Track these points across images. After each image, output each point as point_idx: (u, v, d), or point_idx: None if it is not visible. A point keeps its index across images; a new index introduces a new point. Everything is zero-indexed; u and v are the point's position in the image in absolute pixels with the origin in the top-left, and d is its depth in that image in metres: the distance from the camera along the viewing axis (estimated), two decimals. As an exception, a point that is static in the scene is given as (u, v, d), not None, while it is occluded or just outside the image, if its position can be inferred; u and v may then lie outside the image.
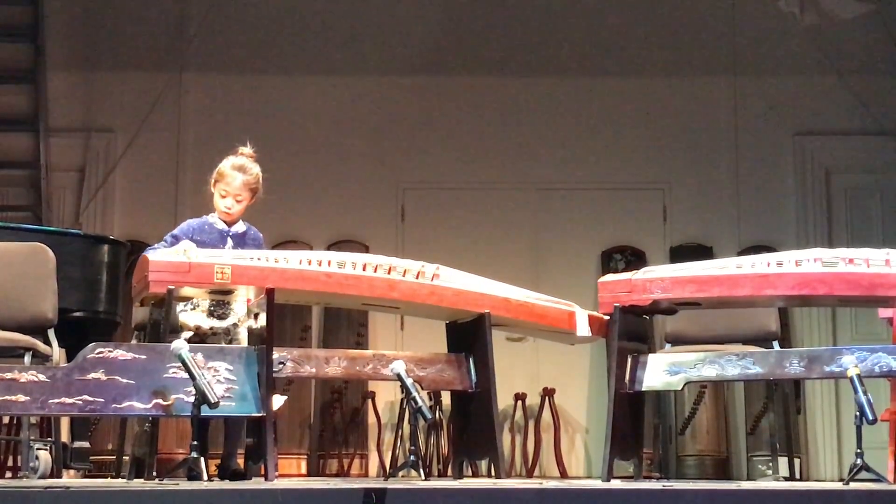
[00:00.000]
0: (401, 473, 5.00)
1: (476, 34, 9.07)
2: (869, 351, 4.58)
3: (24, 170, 8.75)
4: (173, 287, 4.59)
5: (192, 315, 5.01)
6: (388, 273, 4.87)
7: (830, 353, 4.72)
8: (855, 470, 4.24)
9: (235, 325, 5.03)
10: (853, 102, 8.82)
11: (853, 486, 3.92)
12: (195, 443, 4.31)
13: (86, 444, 6.04)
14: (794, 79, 8.97)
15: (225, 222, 5.14)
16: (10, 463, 6.74)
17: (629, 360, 4.88)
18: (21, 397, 4.28)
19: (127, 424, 6.14)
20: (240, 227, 5.18)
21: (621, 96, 9.04)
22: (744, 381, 7.37)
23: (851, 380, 4.32)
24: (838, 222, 8.90)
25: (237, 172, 5.10)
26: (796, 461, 6.59)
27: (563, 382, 8.54)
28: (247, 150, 5.16)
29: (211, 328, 5.00)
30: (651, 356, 4.92)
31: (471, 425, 5.10)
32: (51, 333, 5.01)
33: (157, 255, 4.70)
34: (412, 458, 4.67)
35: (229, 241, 5.11)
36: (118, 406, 4.38)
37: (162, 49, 8.96)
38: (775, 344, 5.68)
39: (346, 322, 8.68)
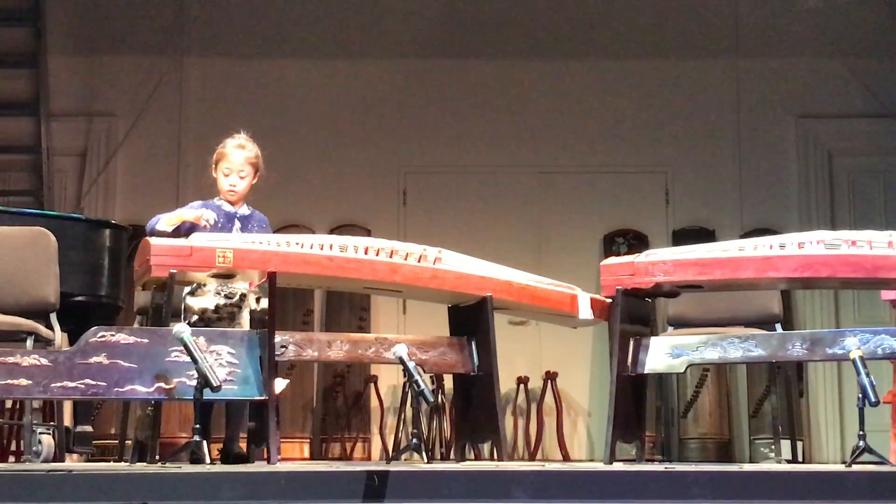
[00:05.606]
0: (403, 456, 5.01)
1: (477, 17, 9.04)
2: (871, 333, 4.57)
3: (25, 154, 8.73)
4: (175, 271, 4.60)
5: (199, 298, 5.01)
6: (390, 257, 4.87)
7: (833, 335, 4.70)
8: (857, 452, 4.23)
9: (239, 307, 5.04)
10: (856, 85, 8.80)
11: (855, 468, 3.92)
12: (197, 426, 4.31)
13: (88, 428, 6.04)
14: (796, 61, 8.94)
15: (230, 203, 5.15)
16: (13, 447, 6.74)
17: (631, 342, 4.87)
18: (23, 381, 4.28)
19: (129, 408, 6.15)
20: (244, 209, 5.19)
21: (623, 79, 9.02)
22: (746, 364, 7.37)
23: (854, 362, 4.30)
24: (841, 205, 8.88)
25: (238, 149, 5.15)
26: (799, 444, 6.56)
27: (566, 365, 8.55)
28: (243, 133, 5.20)
29: (216, 308, 5.00)
30: (653, 339, 4.91)
31: (473, 408, 5.10)
32: (53, 318, 5.02)
33: (159, 238, 4.72)
34: (415, 441, 4.67)
35: (237, 223, 5.13)
36: (120, 390, 4.39)
37: (163, 33, 8.94)
38: (778, 326, 5.66)
39: (348, 306, 8.67)
